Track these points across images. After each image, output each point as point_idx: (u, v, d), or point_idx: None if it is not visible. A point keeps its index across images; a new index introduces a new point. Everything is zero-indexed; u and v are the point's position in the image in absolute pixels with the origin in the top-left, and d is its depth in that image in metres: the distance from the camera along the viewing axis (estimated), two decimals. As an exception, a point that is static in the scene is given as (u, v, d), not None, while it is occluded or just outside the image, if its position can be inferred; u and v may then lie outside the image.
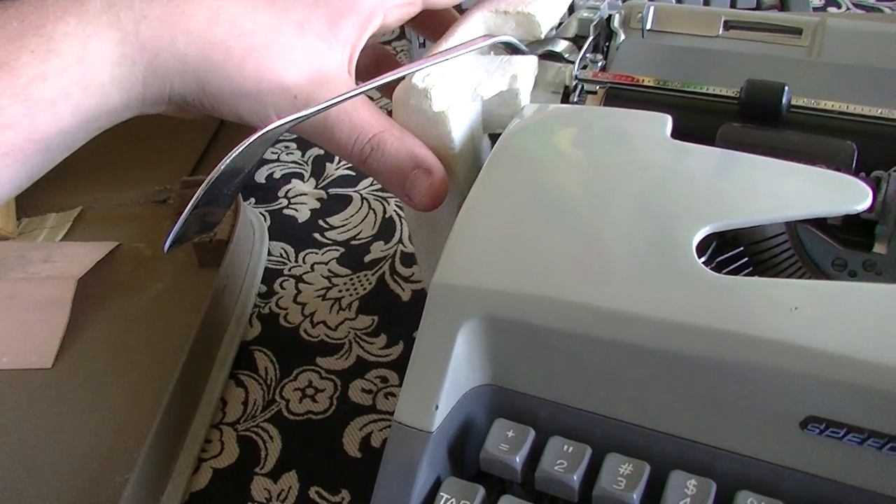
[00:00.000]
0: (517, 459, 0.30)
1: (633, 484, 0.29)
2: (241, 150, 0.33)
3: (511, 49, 0.42)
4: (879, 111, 0.36)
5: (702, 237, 0.30)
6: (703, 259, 0.32)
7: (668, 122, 0.36)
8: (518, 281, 0.31)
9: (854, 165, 0.35)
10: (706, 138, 0.35)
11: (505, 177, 0.34)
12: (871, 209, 0.32)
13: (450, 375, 0.31)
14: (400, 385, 0.45)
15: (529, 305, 0.30)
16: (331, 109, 0.36)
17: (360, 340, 0.49)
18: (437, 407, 0.31)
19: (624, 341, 0.29)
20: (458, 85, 0.38)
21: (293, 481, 0.42)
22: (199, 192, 0.33)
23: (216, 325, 0.49)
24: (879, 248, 0.34)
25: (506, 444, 0.31)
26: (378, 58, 0.46)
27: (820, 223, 0.35)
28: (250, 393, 0.47)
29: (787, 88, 0.37)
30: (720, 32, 0.43)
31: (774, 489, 0.28)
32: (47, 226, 0.61)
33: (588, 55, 0.42)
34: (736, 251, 0.35)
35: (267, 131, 0.34)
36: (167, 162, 0.64)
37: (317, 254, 0.56)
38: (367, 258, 0.54)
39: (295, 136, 0.65)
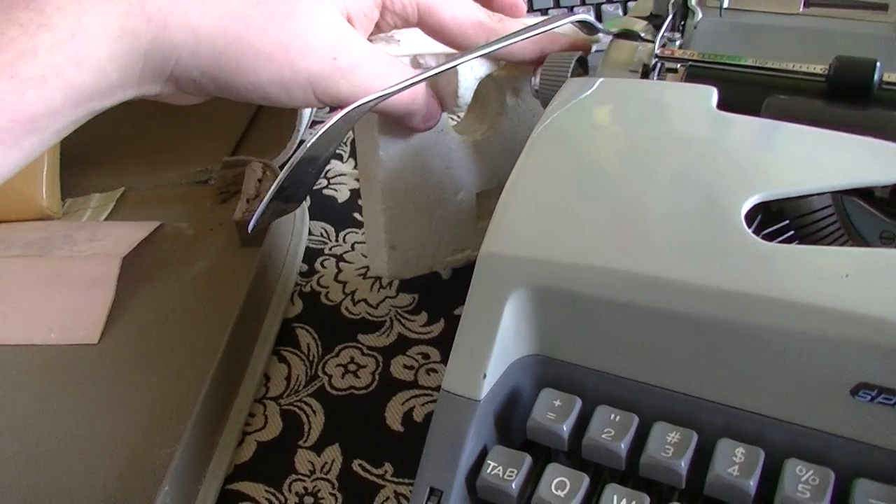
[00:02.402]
0: (564, 428, 0.31)
1: (680, 451, 0.29)
2: (323, 131, 0.33)
3: (588, 28, 0.42)
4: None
5: (750, 206, 0.30)
6: (751, 230, 0.32)
7: (713, 93, 0.36)
8: (565, 251, 0.31)
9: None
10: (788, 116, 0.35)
11: (552, 149, 0.35)
12: None
13: (497, 345, 0.31)
14: (441, 361, 0.47)
15: (577, 275, 0.30)
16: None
17: (401, 318, 0.49)
18: (484, 376, 0.31)
19: (671, 310, 0.29)
20: None
21: (336, 454, 0.42)
22: (282, 175, 0.33)
23: (259, 302, 0.49)
24: (927, 222, 0.34)
25: (553, 412, 0.31)
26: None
27: (867, 195, 0.35)
28: (293, 368, 0.47)
29: (878, 65, 0.36)
30: (801, 9, 0.43)
31: (824, 457, 0.28)
32: (91, 206, 0.62)
33: (666, 34, 0.41)
34: (782, 224, 0.35)
35: (350, 110, 0.34)
36: (208, 143, 0.65)
37: (357, 233, 0.56)
38: (407, 237, 0.55)
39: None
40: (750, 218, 0.32)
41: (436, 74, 0.37)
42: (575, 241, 0.31)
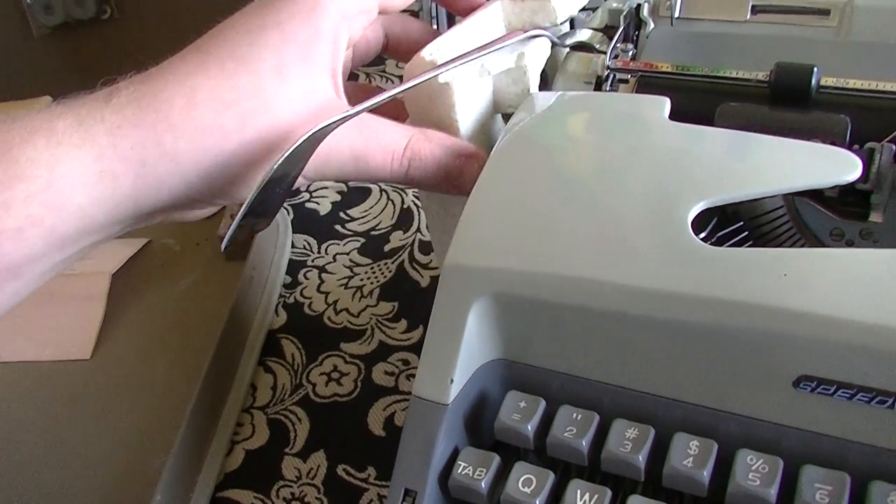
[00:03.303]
0: (529, 428, 0.32)
1: (638, 446, 0.31)
2: (287, 154, 0.34)
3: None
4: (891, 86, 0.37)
5: (697, 212, 0.32)
6: (703, 234, 0.34)
7: (666, 104, 0.37)
8: (525, 259, 0.32)
9: (848, 139, 0.37)
10: (739, 123, 0.36)
11: (512, 161, 0.36)
12: (863, 178, 0.34)
13: (463, 351, 0.33)
14: (421, 366, 0.48)
15: (536, 282, 0.32)
16: (355, 140, 0.36)
17: (381, 326, 0.51)
18: (451, 381, 0.33)
19: (626, 313, 0.31)
20: (467, 61, 0.39)
21: (321, 460, 0.44)
22: (251, 196, 0.34)
23: (244, 314, 0.51)
24: (875, 217, 0.36)
25: (518, 413, 0.33)
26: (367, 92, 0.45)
27: (817, 195, 0.37)
28: (278, 378, 0.49)
29: (816, 70, 0.38)
30: (748, 17, 0.45)
31: (774, 447, 0.30)
32: (80, 226, 0.63)
33: (619, 45, 0.43)
34: (736, 226, 0.37)
35: (311, 134, 0.35)
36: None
37: (338, 244, 0.58)
38: (387, 247, 0.57)
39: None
40: (704, 222, 0.34)
41: (397, 94, 0.38)
42: (532, 250, 0.32)
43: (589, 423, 0.32)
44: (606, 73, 0.41)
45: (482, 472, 0.32)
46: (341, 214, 0.60)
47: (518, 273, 0.32)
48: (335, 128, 0.37)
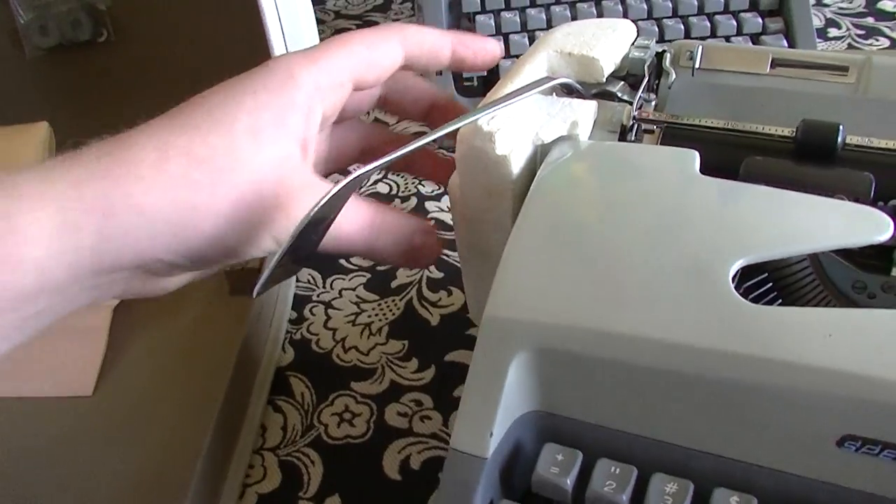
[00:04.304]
0: (567, 481, 0.32)
1: (678, 501, 0.31)
2: (326, 199, 0.34)
3: (569, 90, 0.44)
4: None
5: (737, 269, 0.32)
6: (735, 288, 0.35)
7: (696, 157, 0.38)
8: (565, 314, 0.32)
9: (872, 195, 0.38)
10: (765, 178, 0.37)
11: (545, 212, 0.36)
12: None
13: (503, 404, 0.33)
14: (434, 408, 0.48)
15: (576, 337, 0.32)
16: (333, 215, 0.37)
17: (392, 365, 0.51)
18: (491, 434, 0.33)
19: (668, 369, 0.31)
20: (521, 129, 0.39)
21: (337, 504, 0.44)
22: (287, 241, 0.34)
23: (253, 351, 0.50)
24: (898, 273, 0.37)
25: (556, 466, 0.33)
26: (368, 135, 0.46)
27: (840, 249, 0.37)
28: (289, 418, 0.48)
29: (841, 128, 0.39)
30: (768, 70, 0.45)
31: (812, 502, 0.30)
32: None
33: (642, 94, 0.43)
34: (762, 277, 0.37)
35: (352, 178, 0.35)
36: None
37: (344, 279, 0.57)
38: (394, 283, 0.56)
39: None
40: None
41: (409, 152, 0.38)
42: (573, 304, 0.32)
43: (628, 478, 0.32)
44: (632, 123, 0.42)
45: (520, 526, 0.32)
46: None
47: (560, 328, 0.32)
48: (373, 173, 0.37)
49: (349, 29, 0.87)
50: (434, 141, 0.39)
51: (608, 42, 0.44)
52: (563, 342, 0.32)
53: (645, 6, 0.69)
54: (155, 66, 0.74)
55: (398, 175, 0.66)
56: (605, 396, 0.33)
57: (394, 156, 0.37)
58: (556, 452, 0.33)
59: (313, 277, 0.58)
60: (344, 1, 0.92)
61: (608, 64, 0.43)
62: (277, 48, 0.57)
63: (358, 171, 0.36)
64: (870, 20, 0.79)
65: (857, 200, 0.37)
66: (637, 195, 0.36)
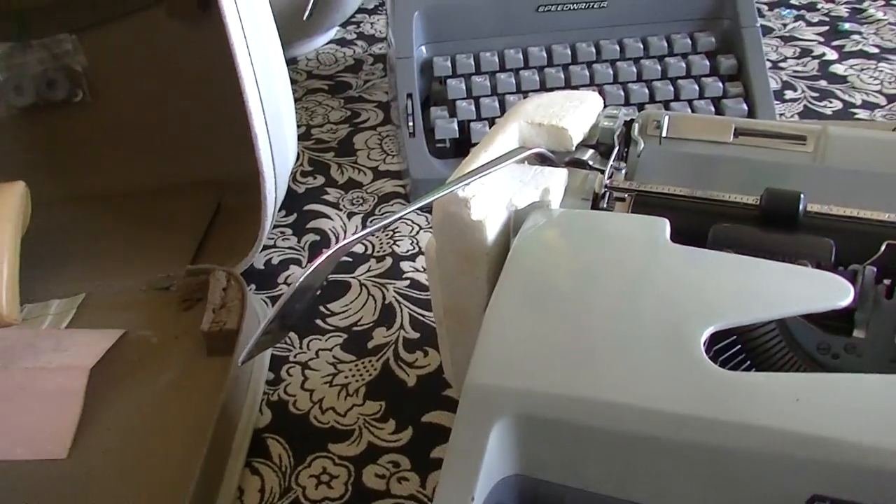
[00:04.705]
0: (547, 544, 0.33)
1: (656, 564, 0.32)
2: (313, 268, 0.35)
3: (542, 158, 0.45)
4: (873, 214, 0.40)
5: (708, 335, 0.34)
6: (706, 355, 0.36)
7: (666, 225, 0.39)
8: (544, 380, 0.33)
9: (833, 260, 0.40)
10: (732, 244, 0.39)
11: (523, 280, 0.37)
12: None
13: (484, 468, 0.34)
14: (412, 469, 0.48)
15: (556, 404, 0.33)
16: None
17: (369, 426, 0.51)
18: (472, 499, 0.33)
19: (643, 434, 0.32)
20: (495, 195, 0.41)
21: (318, 568, 0.44)
22: (275, 310, 0.36)
23: (231, 414, 0.51)
24: (859, 333, 0.38)
25: (536, 530, 0.33)
26: None
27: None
28: (266, 480, 0.49)
29: (802, 196, 0.40)
30: (731, 139, 0.47)
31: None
32: (51, 312, 0.62)
33: (612, 163, 0.45)
34: (730, 340, 0.39)
35: (336, 250, 0.36)
36: (167, 248, 0.66)
37: (321, 340, 0.58)
38: (371, 344, 0.57)
39: (291, 220, 0.69)
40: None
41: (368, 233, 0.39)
42: (552, 371, 0.34)
43: (606, 540, 0.33)
44: (604, 191, 0.43)
45: (501, 590, 0.32)
46: (321, 309, 0.60)
47: (539, 395, 0.33)
48: (359, 241, 0.38)
49: (321, 90, 0.88)
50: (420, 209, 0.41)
51: (577, 113, 0.46)
52: (543, 409, 0.33)
53: (611, 71, 0.72)
54: (130, 128, 0.75)
55: (373, 235, 0.67)
56: (584, 461, 0.34)
57: (377, 226, 0.39)
58: (535, 516, 0.34)
59: (290, 338, 0.58)
60: (316, 61, 0.94)
61: (577, 133, 0.45)
62: (256, 115, 0.58)
63: (342, 242, 0.37)
64: (823, 83, 0.83)
65: (818, 265, 0.39)
66: (611, 262, 0.38)
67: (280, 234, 0.68)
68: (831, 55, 0.88)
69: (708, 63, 0.72)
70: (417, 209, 0.40)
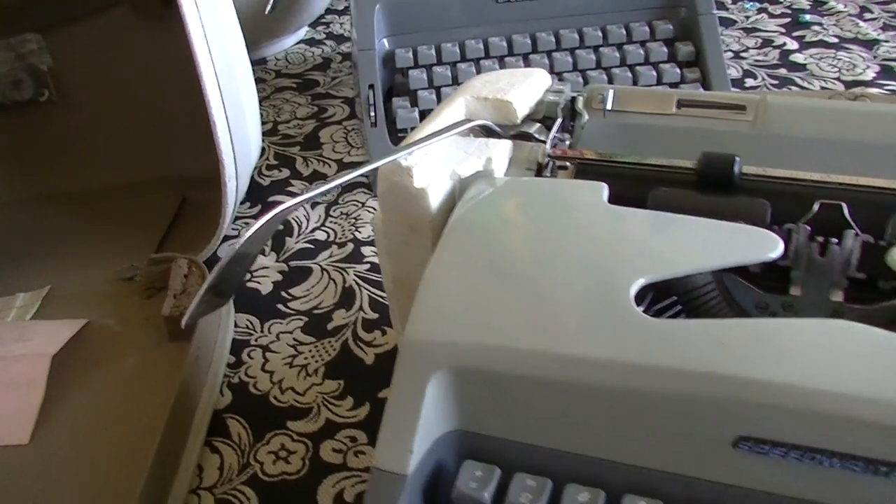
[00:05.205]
0: (485, 496, 0.33)
1: (588, 510, 0.32)
2: (248, 236, 0.36)
3: (488, 131, 0.46)
4: (806, 175, 0.41)
5: (638, 288, 0.34)
6: (641, 308, 0.37)
7: (604, 188, 0.40)
8: (479, 334, 0.34)
9: (769, 220, 0.40)
10: (670, 207, 0.39)
11: (462, 242, 0.38)
12: (785, 256, 0.37)
13: (422, 422, 0.34)
14: (369, 443, 0.49)
15: (491, 356, 0.34)
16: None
17: (328, 403, 0.52)
18: (411, 452, 0.34)
19: (573, 382, 0.33)
20: (439, 165, 0.42)
21: (273, 539, 0.44)
22: (211, 277, 0.36)
23: (190, 395, 0.51)
24: (795, 291, 0.39)
25: (475, 482, 0.34)
26: None
27: (743, 272, 0.40)
28: (225, 458, 0.49)
29: (737, 160, 0.41)
30: (674, 110, 0.48)
31: (716, 505, 0.32)
32: (16, 305, 0.63)
33: (557, 135, 0.46)
34: (670, 300, 0.40)
35: (272, 216, 0.37)
36: (132, 240, 0.67)
37: (281, 323, 0.58)
38: (330, 325, 0.58)
39: (255, 212, 0.69)
40: (641, 297, 0.36)
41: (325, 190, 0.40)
42: (487, 325, 0.34)
43: (542, 490, 0.33)
44: (546, 160, 0.44)
45: (440, 540, 0.33)
46: (283, 294, 0.61)
47: (473, 347, 0.34)
48: (294, 210, 0.39)
49: (289, 88, 0.89)
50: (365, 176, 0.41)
51: (522, 88, 0.47)
52: (477, 360, 0.34)
53: (570, 59, 0.73)
54: (96, 127, 0.76)
55: (335, 222, 0.67)
56: (520, 413, 0.34)
57: (315, 192, 0.39)
58: (475, 469, 0.34)
59: (251, 322, 0.59)
60: (285, 61, 0.95)
61: (522, 107, 0.46)
62: (216, 111, 0.59)
63: (279, 207, 0.38)
64: (783, 71, 0.84)
65: (755, 225, 0.40)
66: (547, 224, 0.39)
67: (244, 224, 0.69)
68: (792, 45, 0.89)
69: (666, 50, 0.73)
70: (360, 175, 0.40)
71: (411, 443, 0.34)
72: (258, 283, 0.63)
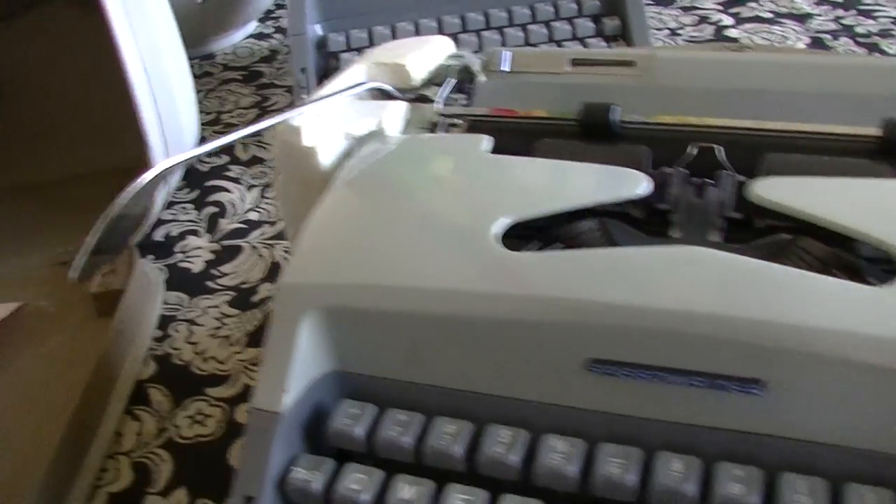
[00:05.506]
0: (359, 430, 0.35)
1: (455, 440, 0.33)
2: (129, 194, 0.37)
3: (385, 94, 0.48)
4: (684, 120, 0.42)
5: (504, 226, 0.36)
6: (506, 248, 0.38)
7: (485, 140, 0.41)
8: (348, 275, 0.35)
9: (650, 166, 0.41)
10: (554, 157, 0.40)
11: (343, 193, 0.40)
12: (664, 199, 0.39)
13: (296, 362, 0.35)
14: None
15: (357, 294, 0.35)
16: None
17: (247, 370, 0.53)
18: (284, 391, 0.35)
19: (434, 314, 0.34)
20: (329, 124, 0.43)
21: (182, 496, 0.45)
22: (93, 234, 0.37)
23: (111, 366, 0.52)
24: (675, 233, 0.40)
25: (349, 419, 0.35)
26: None
27: (626, 217, 0.41)
28: (144, 424, 0.50)
29: (613, 107, 0.43)
30: (567, 69, 0.50)
31: (576, 430, 0.33)
32: (-47, 294, 0.64)
33: (452, 95, 0.48)
34: (555, 245, 0.41)
35: (154, 175, 0.38)
36: (70, 231, 0.68)
37: (209, 298, 0.60)
38: (255, 298, 0.59)
39: (193, 196, 0.70)
40: (524, 244, 0.37)
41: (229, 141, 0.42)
42: (356, 267, 0.35)
43: (412, 423, 0.34)
44: (439, 119, 0.45)
45: (316, 475, 0.34)
46: (213, 272, 0.62)
47: (342, 287, 0.35)
48: (176, 170, 0.40)
49: (235, 80, 0.91)
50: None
51: (420, 53, 0.48)
52: (345, 299, 0.35)
53: (483, 18, 0.74)
54: (35, 120, 0.77)
55: (270, 203, 0.69)
56: (390, 350, 0.36)
57: (201, 150, 0.41)
58: (350, 407, 0.36)
59: (180, 299, 0.60)
60: (233, 55, 0.96)
61: (419, 70, 0.47)
62: (143, 102, 0.60)
63: (161, 165, 0.39)
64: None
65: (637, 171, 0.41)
66: (427, 174, 0.40)
67: (182, 209, 0.70)
68: (728, 21, 0.91)
69: (593, 25, 0.75)
70: (251, 134, 0.42)
71: (284, 382, 0.35)
72: (190, 262, 0.64)
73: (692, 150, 0.41)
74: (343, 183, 0.40)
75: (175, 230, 0.68)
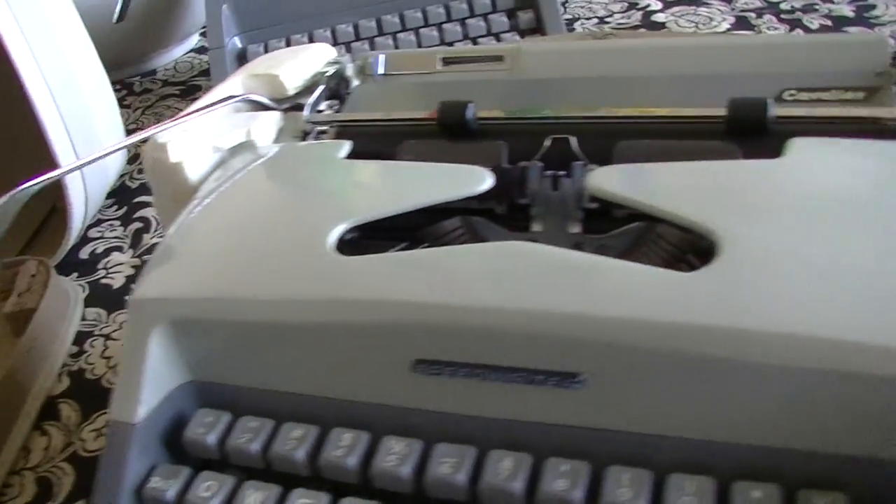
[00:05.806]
0: (211, 439, 0.36)
1: (299, 445, 0.34)
2: None
3: (259, 105, 0.49)
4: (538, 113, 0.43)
5: (341, 232, 0.36)
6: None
7: (346, 145, 0.42)
8: (194, 287, 0.36)
9: (508, 161, 0.42)
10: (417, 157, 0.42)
11: (200, 207, 0.41)
12: (525, 194, 0.39)
13: (149, 374, 0.36)
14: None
15: (201, 306, 0.36)
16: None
17: (155, 381, 0.54)
18: (138, 401, 0.36)
19: (273, 322, 0.35)
20: (197, 139, 0.44)
21: (81, 508, 0.47)
22: None
23: (20, 384, 0.53)
24: (536, 227, 0.41)
25: (203, 427, 0.36)
26: None
27: (490, 214, 0.42)
28: (52, 440, 0.51)
29: (469, 105, 0.43)
30: (439, 68, 0.51)
31: (408, 429, 0.34)
32: None
33: (325, 102, 0.49)
34: (423, 246, 0.42)
35: (12, 195, 0.39)
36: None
37: (127, 313, 0.61)
38: (169, 310, 0.60)
39: (121, 213, 0.72)
40: (389, 246, 0.38)
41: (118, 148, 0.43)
42: (201, 280, 0.36)
43: (261, 430, 0.35)
44: (310, 127, 0.46)
45: (171, 483, 0.35)
46: (133, 286, 0.63)
47: (187, 300, 0.36)
48: (39, 188, 0.41)
49: (173, 95, 0.92)
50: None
51: (295, 62, 0.49)
52: (190, 312, 0.36)
53: (414, 38, 0.75)
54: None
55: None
56: (240, 359, 0.37)
57: (61, 171, 0.42)
58: (206, 416, 0.37)
59: (99, 315, 0.61)
60: (174, 70, 0.97)
61: (293, 79, 0.48)
62: (51, 126, 0.61)
63: (23, 186, 0.40)
64: (642, 31, 0.86)
65: (495, 167, 0.41)
66: (283, 183, 0.41)
67: (109, 226, 0.71)
68: (656, 6, 0.91)
69: (507, 21, 0.76)
70: (116, 150, 0.43)
71: (138, 393, 0.36)
72: (112, 278, 0.65)
73: (547, 143, 0.42)
74: (201, 196, 0.41)
75: (101, 247, 0.69)
